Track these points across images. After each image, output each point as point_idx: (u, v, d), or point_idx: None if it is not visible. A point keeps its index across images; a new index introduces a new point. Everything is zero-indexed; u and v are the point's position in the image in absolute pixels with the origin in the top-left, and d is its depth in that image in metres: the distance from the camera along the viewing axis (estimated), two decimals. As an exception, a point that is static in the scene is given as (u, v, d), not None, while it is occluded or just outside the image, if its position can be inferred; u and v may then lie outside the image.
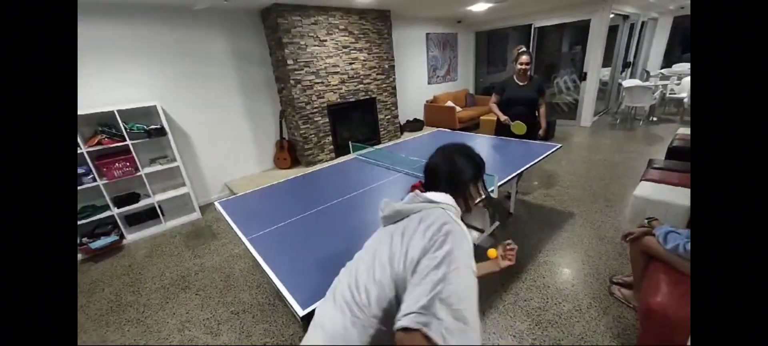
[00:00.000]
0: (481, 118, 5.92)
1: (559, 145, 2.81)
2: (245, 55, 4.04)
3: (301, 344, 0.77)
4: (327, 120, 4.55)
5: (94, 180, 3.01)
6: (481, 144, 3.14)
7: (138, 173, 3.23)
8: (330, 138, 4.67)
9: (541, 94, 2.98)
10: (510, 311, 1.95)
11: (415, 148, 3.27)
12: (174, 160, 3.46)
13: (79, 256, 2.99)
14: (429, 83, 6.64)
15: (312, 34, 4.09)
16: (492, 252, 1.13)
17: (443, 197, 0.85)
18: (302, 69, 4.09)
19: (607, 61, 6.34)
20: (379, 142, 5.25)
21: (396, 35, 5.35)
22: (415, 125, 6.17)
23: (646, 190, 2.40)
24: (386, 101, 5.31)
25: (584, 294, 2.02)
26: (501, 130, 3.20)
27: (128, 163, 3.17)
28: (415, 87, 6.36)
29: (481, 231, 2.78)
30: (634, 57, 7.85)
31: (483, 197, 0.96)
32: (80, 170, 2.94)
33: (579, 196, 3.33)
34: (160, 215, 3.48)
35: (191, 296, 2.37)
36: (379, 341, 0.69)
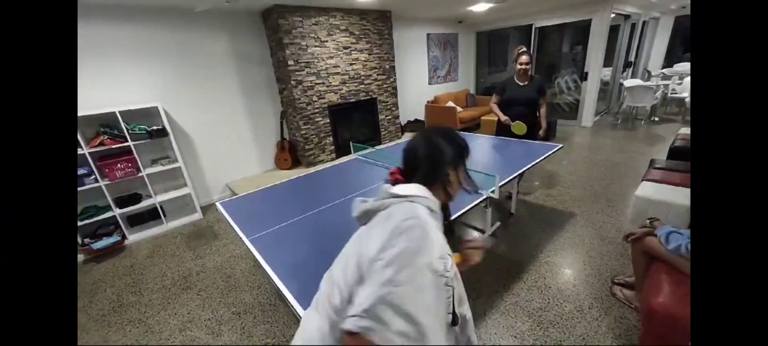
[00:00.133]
0: (482, 118, 5.92)
1: (560, 145, 2.81)
2: (246, 56, 4.05)
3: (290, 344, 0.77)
4: (328, 120, 4.56)
5: (96, 181, 3.02)
6: (482, 144, 3.14)
7: (140, 174, 3.24)
8: (331, 139, 4.67)
9: (542, 95, 2.97)
10: (511, 311, 1.94)
11: (415, 148, 3.26)
12: (175, 160, 3.47)
13: (82, 256, 3.00)
14: (430, 84, 6.63)
15: (313, 35, 4.10)
16: (456, 258, 1.09)
17: (413, 189, 0.77)
18: (303, 70, 4.10)
19: (608, 61, 6.33)
20: (380, 143, 5.26)
21: (397, 36, 5.36)
22: (415, 126, 6.17)
23: (647, 190, 2.40)
24: (387, 102, 5.31)
25: (586, 295, 2.02)
26: (501, 130, 3.20)
27: (130, 164, 3.18)
28: (416, 87, 6.36)
29: (482, 231, 2.78)
30: (636, 57, 7.82)
31: (465, 184, 0.89)
32: (82, 171, 2.95)
33: (580, 196, 3.33)
34: (162, 216, 3.49)
35: (193, 297, 2.37)
36: None
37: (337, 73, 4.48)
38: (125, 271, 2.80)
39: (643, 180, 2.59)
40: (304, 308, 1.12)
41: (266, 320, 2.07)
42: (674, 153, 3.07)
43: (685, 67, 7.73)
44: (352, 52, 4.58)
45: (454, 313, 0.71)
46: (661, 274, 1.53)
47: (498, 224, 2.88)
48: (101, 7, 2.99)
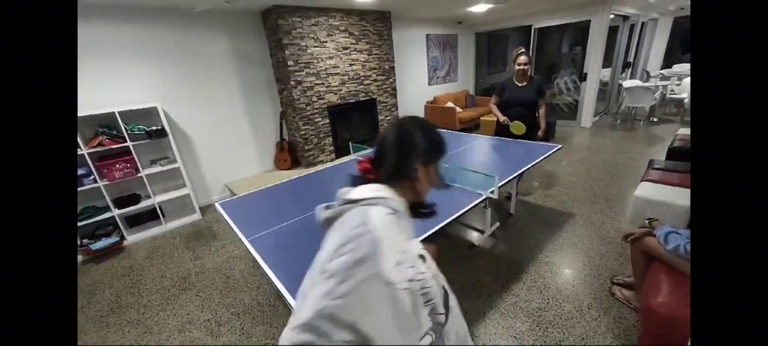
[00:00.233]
0: (482, 118, 5.92)
1: (560, 145, 2.81)
2: (246, 57, 4.05)
3: None
4: (327, 121, 4.56)
5: (95, 181, 3.01)
6: (481, 145, 3.14)
7: (139, 174, 3.24)
8: (330, 139, 4.67)
9: (541, 95, 2.98)
10: (510, 311, 1.94)
11: (415, 149, 3.27)
12: (174, 161, 3.47)
13: (80, 257, 2.99)
14: (429, 84, 6.64)
15: (312, 36, 4.10)
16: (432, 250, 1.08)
17: (368, 191, 0.71)
18: (302, 70, 4.10)
19: (607, 61, 6.34)
20: (379, 143, 5.25)
21: (396, 36, 5.36)
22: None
23: (646, 190, 2.40)
24: (386, 102, 5.31)
25: (585, 295, 2.02)
26: (501, 131, 3.20)
27: (129, 165, 3.17)
28: (416, 88, 6.36)
29: (481, 231, 2.78)
30: (635, 58, 7.84)
31: (438, 182, 0.83)
32: (81, 171, 2.94)
33: (579, 196, 3.33)
34: (161, 216, 3.48)
35: (192, 297, 2.37)
36: None
37: (337, 74, 4.48)
38: (124, 272, 2.79)
39: (642, 180, 2.60)
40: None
41: (265, 321, 2.07)
42: (673, 154, 3.08)
43: (683, 68, 7.75)
44: (352, 53, 4.58)
45: (441, 312, 0.70)
46: (660, 274, 1.53)
47: (497, 224, 2.88)
48: (101, 7, 2.99)
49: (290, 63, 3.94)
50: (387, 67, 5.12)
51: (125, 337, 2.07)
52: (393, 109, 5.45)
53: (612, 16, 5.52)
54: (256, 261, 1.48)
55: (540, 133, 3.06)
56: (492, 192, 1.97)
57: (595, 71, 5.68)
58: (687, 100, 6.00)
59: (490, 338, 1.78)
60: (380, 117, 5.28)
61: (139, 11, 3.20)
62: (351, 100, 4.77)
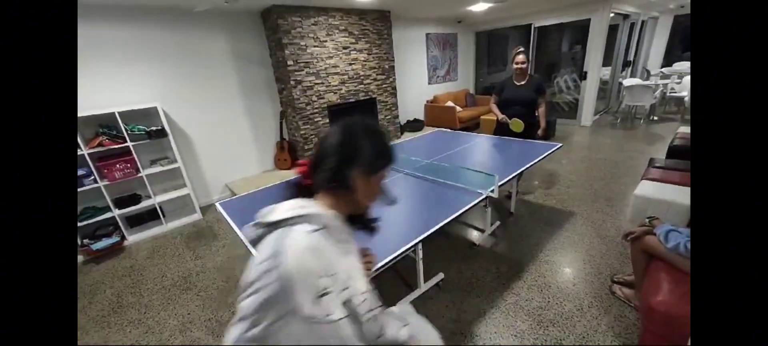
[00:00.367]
0: (482, 117, 5.92)
1: (560, 144, 2.81)
2: (245, 56, 4.05)
3: None
4: (327, 121, 4.55)
5: (95, 182, 3.01)
6: (482, 144, 3.14)
7: (139, 175, 3.24)
8: (330, 138, 4.67)
9: (541, 94, 2.97)
10: (511, 310, 1.95)
11: (415, 148, 3.27)
12: (175, 161, 3.47)
13: (81, 257, 2.99)
14: (429, 83, 6.63)
15: (312, 35, 4.09)
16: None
17: (288, 209, 0.63)
18: (302, 70, 4.10)
19: (607, 60, 6.34)
20: (379, 143, 5.25)
21: (396, 35, 5.35)
22: (415, 125, 6.17)
23: (646, 189, 2.40)
24: (386, 102, 5.31)
25: (585, 293, 2.02)
26: (500, 129, 3.20)
27: (129, 165, 3.17)
28: (416, 87, 6.36)
29: (482, 230, 2.78)
30: (635, 56, 7.84)
31: (382, 195, 0.75)
32: (81, 172, 2.94)
33: (580, 195, 3.33)
34: (161, 216, 3.48)
35: (192, 297, 2.37)
36: None
37: (337, 73, 4.48)
38: (125, 272, 2.79)
39: (642, 179, 2.60)
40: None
41: (266, 320, 2.07)
42: (673, 152, 3.07)
43: (684, 66, 7.74)
44: (352, 52, 4.57)
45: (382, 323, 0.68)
46: (660, 272, 1.53)
47: (498, 223, 2.88)
48: (101, 7, 2.99)
49: (290, 63, 3.94)
50: (387, 66, 5.12)
51: (127, 337, 2.07)
52: (393, 109, 5.45)
53: (612, 14, 5.51)
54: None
55: (540, 132, 3.06)
56: (492, 191, 1.97)
57: (595, 70, 5.67)
58: (687, 99, 5.99)
59: (491, 337, 1.79)
60: (380, 116, 5.28)
61: (139, 11, 3.20)
62: (351, 100, 4.76)
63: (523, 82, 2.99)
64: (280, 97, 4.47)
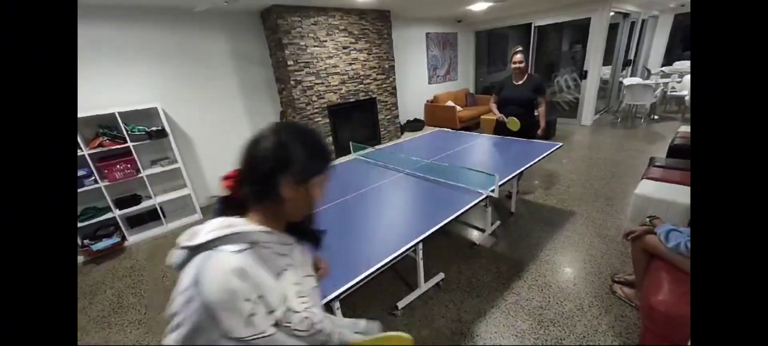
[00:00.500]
0: (482, 117, 5.92)
1: (560, 144, 2.81)
2: (245, 56, 4.05)
3: None
4: (327, 121, 4.55)
5: (96, 182, 3.01)
6: (482, 144, 3.14)
7: (139, 175, 3.24)
8: (330, 139, 4.67)
9: (540, 93, 2.96)
10: (512, 310, 1.94)
11: (415, 148, 3.27)
12: (175, 161, 3.47)
13: (81, 258, 2.99)
14: (429, 83, 6.64)
15: (312, 35, 4.09)
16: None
17: (217, 228, 0.58)
18: (302, 70, 4.10)
19: (607, 59, 6.33)
20: (379, 143, 5.26)
21: (396, 35, 5.35)
22: (415, 125, 6.17)
23: (647, 188, 2.40)
24: (386, 101, 5.31)
25: (586, 293, 2.02)
26: (500, 129, 3.21)
27: (129, 165, 3.18)
28: (416, 87, 6.36)
29: (482, 230, 2.78)
30: (635, 55, 7.83)
31: (319, 200, 0.69)
32: (82, 172, 2.94)
33: (580, 195, 3.33)
34: (162, 217, 3.48)
35: (192, 297, 2.36)
36: None
37: (337, 73, 4.48)
38: (125, 272, 2.80)
39: (642, 178, 2.60)
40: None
41: (267, 320, 2.07)
42: (674, 151, 3.07)
43: (684, 65, 7.74)
44: (352, 52, 4.57)
45: (327, 332, 0.68)
46: (660, 272, 1.53)
47: (498, 223, 2.88)
48: (101, 7, 2.99)
49: (290, 63, 3.94)
50: (387, 66, 5.12)
51: (127, 337, 2.07)
52: (393, 109, 5.45)
53: (612, 13, 5.50)
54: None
55: (539, 132, 3.06)
56: (492, 191, 1.97)
57: (596, 69, 5.67)
58: (688, 98, 5.98)
59: (492, 337, 1.79)
60: (380, 116, 5.28)
61: (139, 11, 3.20)
62: (351, 100, 4.76)
63: (521, 82, 2.99)
64: (280, 98, 4.47)
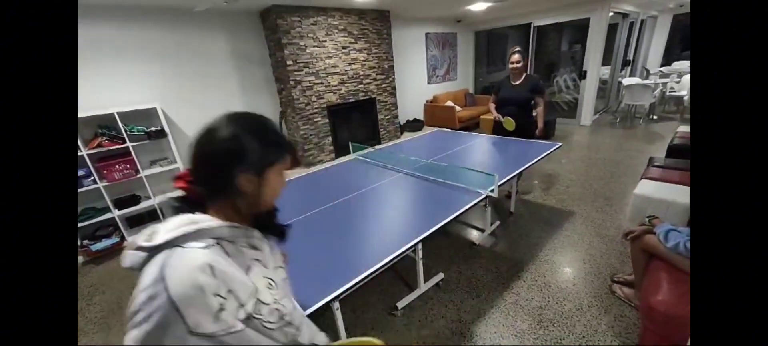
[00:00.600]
0: (481, 117, 5.93)
1: (559, 144, 2.81)
2: (245, 56, 4.05)
3: None
4: (327, 121, 4.56)
5: (95, 182, 3.01)
6: (481, 144, 3.14)
7: (138, 175, 3.23)
8: (330, 139, 4.67)
9: (539, 93, 2.96)
10: (511, 310, 1.95)
11: (414, 148, 3.27)
12: (174, 161, 3.47)
13: (81, 258, 2.99)
14: (429, 83, 6.64)
15: (311, 35, 4.09)
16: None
17: (178, 226, 0.55)
18: (302, 70, 4.10)
19: (606, 59, 6.34)
20: (379, 143, 5.26)
21: (395, 35, 5.35)
22: (415, 125, 6.17)
23: (646, 188, 2.40)
24: (386, 101, 5.31)
25: (585, 293, 2.02)
26: (498, 129, 3.21)
27: (129, 166, 3.17)
28: (415, 87, 6.36)
29: (482, 230, 2.79)
30: (634, 55, 7.84)
31: (280, 189, 0.67)
32: (81, 172, 2.93)
33: (579, 195, 3.33)
34: (161, 217, 3.47)
35: (192, 297, 2.36)
36: None
37: (336, 73, 4.48)
38: (125, 272, 2.78)
39: (642, 178, 2.60)
40: (304, 308, 1.12)
41: (266, 321, 2.07)
42: (673, 151, 3.08)
43: (683, 65, 7.75)
44: (351, 52, 4.57)
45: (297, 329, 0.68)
46: (660, 272, 1.53)
47: (497, 223, 2.88)
48: (101, 7, 2.99)
49: (289, 63, 3.94)
50: (386, 66, 5.12)
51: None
52: (392, 109, 5.45)
53: (611, 13, 5.51)
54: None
55: (537, 132, 3.06)
56: (492, 191, 1.97)
57: (595, 69, 5.67)
58: (687, 98, 6.00)
59: (491, 337, 1.79)
60: (380, 116, 5.28)
61: (138, 11, 3.19)
62: (350, 100, 4.77)
63: (518, 82, 2.99)
64: (279, 98, 4.47)
